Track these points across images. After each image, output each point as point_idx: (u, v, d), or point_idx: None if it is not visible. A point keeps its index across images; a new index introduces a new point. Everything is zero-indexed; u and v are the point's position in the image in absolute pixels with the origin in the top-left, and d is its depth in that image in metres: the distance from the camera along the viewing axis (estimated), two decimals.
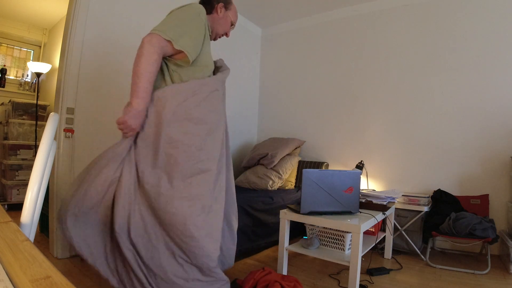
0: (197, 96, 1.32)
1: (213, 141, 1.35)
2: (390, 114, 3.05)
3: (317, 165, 3.27)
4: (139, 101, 1.24)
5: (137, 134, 1.31)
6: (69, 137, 2.13)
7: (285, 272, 1.93)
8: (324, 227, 1.93)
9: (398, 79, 3.03)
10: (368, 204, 2.13)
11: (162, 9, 2.76)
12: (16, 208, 3.21)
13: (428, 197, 2.59)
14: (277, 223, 2.10)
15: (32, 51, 4.29)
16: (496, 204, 2.51)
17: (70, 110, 2.14)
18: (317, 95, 3.55)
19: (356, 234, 1.62)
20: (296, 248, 1.92)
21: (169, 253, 1.24)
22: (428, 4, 2.90)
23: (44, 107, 3.65)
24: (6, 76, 3.93)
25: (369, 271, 2.05)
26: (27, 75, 4.20)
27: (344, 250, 1.88)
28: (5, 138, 3.40)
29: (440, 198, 2.55)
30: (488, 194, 2.53)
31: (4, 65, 3.97)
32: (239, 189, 2.84)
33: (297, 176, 3.27)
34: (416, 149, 2.89)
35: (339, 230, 1.88)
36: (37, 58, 4.27)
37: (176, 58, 1.34)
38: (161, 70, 1.34)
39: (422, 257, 2.36)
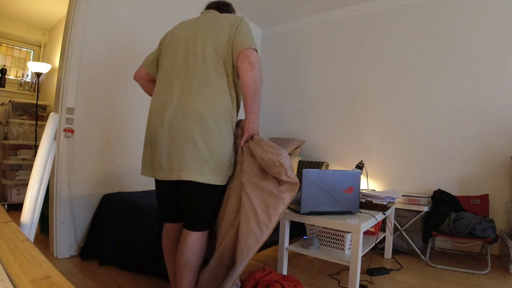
0: None
1: None
2: (390, 114, 3.05)
3: (317, 165, 3.27)
4: (257, 119, 1.41)
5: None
6: (69, 137, 2.13)
7: (285, 272, 1.93)
8: (324, 227, 1.93)
9: (398, 79, 3.03)
10: (368, 204, 2.13)
11: (162, 9, 2.76)
12: (16, 208, 3.22)
13: (428, 197, 2.59)
14: (277, 223, 2.09)
15: (32, 51, 4.29)
16: (496, 204, 2.51)
17: (70, 110, 2.14)
18: (317, 95, 3.55)
19: (356, 234, 1.62)
20: (296, 248, 1.92)
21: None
22: (428, 4, 2.90)
23: (44, 107, 3.65)
24: (6, 76, 3.93)
25: (369, 271, 2.05)
26: (27, 75, 4.19)
27: (344, 250, 1.88)
28: (5, 138, 3.40)
29: (440, 198, 2.55)
30: (488, 194, 2.53)
31: (4, 65, 3.97)
32: None
33: (297, 176, 3.26)
34: (416, 149, 2.89)
35: (339, 230, 1.88)
36: (37, 58, 4.27)
37: None
38: (226, 82, 1.33)
39: (422, 257, 2.36)
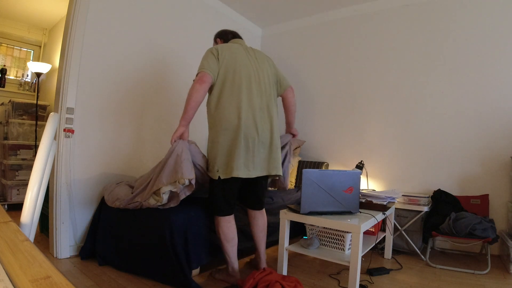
0: None
1: None
2: (390, 114, 3.05)
3: (317, 165, 3.27)
4: None
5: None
6: (69, 137, 2.13)
7: (285, 272, 1.93)
8: (324, 227, 1.93)
9: (398, 79, 3.03)
10: (368, 204, 2.13)
11: (161, 9, 2.76)
12: (16, 208, 3.22)
13: (428, 197, 2.59)
14: (277, 223, 2.10)
15: (32, 51, 4.29)
16: (496, 204, 2.51)
17: (70, 110, 2.14)
18: (317, 95, 3.55)
19: (356, 234, 1.62)
20: (296, 248, 1.92)
21: None
22: (428, 4, 2.90)
23: (44, 107, 3.65)
24: (6, 76, 3.93)
25: (369, 271, 2.05)
26: (27, 75, 4.19)
27: (344, 250, 1.88)
28: (5, 138, 3.40)
29: (440, 198, 2.55)
30: (488, 194, 2.53)
31: (4, 65, 3.97)
32: None
33: (297, 176, 3.26)
34: (416, 149, 2.89)
35: (339, 230, 1.88)
36: (37, 58, 4.27)
37: None
38: (276, 105, 1.98)
39: (422, 257, 2.36)
